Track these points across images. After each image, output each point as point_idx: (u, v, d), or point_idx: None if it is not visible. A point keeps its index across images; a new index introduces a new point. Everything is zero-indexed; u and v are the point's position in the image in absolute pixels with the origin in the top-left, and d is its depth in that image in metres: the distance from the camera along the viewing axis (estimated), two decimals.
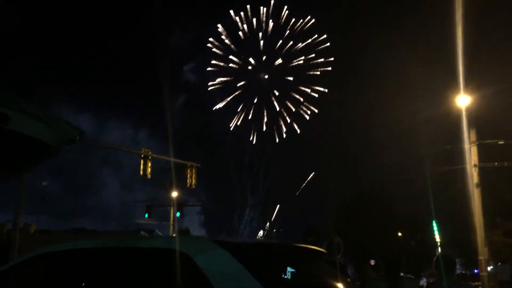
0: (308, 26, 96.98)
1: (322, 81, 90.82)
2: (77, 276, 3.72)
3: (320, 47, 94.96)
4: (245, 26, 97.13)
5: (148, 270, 3.34)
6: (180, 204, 33.01)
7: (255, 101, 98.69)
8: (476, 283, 16.03)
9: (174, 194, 34.07)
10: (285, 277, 3.81)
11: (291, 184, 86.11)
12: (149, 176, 23.32)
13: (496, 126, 18.56)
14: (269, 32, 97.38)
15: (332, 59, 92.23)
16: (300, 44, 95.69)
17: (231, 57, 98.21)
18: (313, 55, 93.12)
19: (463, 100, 17.04)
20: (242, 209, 79.79)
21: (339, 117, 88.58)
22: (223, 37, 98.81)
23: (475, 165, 17.42)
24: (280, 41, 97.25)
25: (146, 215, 32.78)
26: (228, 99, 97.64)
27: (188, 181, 26.38)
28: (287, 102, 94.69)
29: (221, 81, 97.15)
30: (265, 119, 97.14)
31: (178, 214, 32.47)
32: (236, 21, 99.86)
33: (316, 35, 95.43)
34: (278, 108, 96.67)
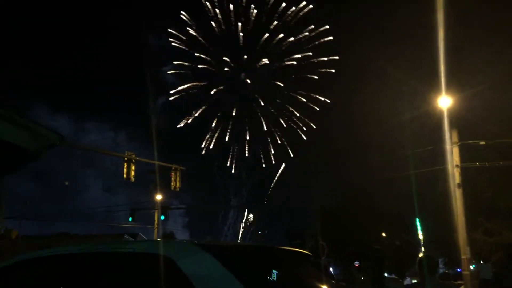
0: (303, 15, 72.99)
1: (322, 86, 69.37)
2: (58, 283, 3.66)
3: (319, 41, 71.60)
4: (217, 11, 70.18)
5: (131, 275, 3.30)
6: (165, 207, 32.82)
7: (233, 113, 72.59)
8: (459, 282, 16.22)
9: (159, 197, 33.87)
10: (271, 279, 3.79)
11: (275, 186, 78.28)
12: (132, 179, 23.13)
13: (477, 127, 18.83)
14: (251, 21, 70.68)
15: (337, 57, 70.15)
16: (292, 38, 71.06)
17: (199, 54, 72.55)
18: (309, 52, 69.24)
19: (444, 101, 17.25)
20: (226, 211, 72.77)
21: (322, 117, 79.20)
22: (189, 28, 71.64)
23: (456, 166, 17.63)
24: (266, 34, 70.68)
25: (130, 219, 32.50)
26: (196, 113, 71.36)
27: (172, 184, 26.25)
28: (277, 115, 70.63)
29: (185, 88, 71.95)
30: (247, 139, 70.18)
31: (162, 217, 32.30)
32: (206, 5, 73.23)
33: (312, 26, 71.91)
34: (265, 126, 70.94)
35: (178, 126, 66.48)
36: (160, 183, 29.83)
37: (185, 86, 71.52)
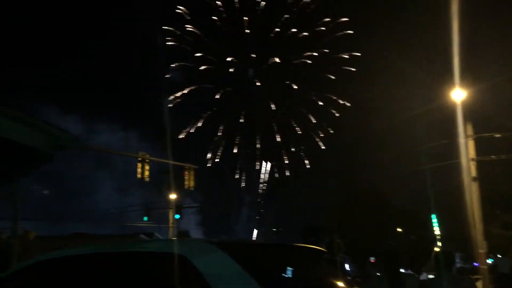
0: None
1: (340, 87, 60.54)
2: (76, 282, 3.69)
3: (337, 34, 62.29)
4: (219, 3, 59.26)
5: (147, 275, 3.32)
6: (179, 206, 32.96)
7: (240, 121, 61.73)
8: (476, 276, 16.08)
9: (173, 196, 34.04)
10: (286, 276, 3.78)
11: (288, 182, 76.39)
12: (147, 179, 23.31)
13: (491, 120, 18.63)
14: (259, 13, 60.21)
15: (359, 54, 61.85)
16: (306, 33, 60.60)
17: (201, 54, 62.72)
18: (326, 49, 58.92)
19: (458, 94, 17.08)
20: (240, 209, 69.84)
21: (340, 120, 76.46)
22: (188, 25, 61.22)
23: (472, 159, 17.46)
24: (276, 29, 59.63)
25: (145, 218, 32.72)
26: (198, 124, 61.61)
27: (186, 183, 26.36)
28: (292, 122, 60.56)
29: (185, 92, 62.57)
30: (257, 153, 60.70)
31: (177, 216, 32.42)
32: None
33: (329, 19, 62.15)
34: (278, 137, 60.26)
35: (180, 137, 60.94)
36: (173, 182, 30.00)
37: (185, 91, 64.07)
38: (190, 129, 62.44)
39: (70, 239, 33.71)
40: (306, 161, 62.34)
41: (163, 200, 33.21)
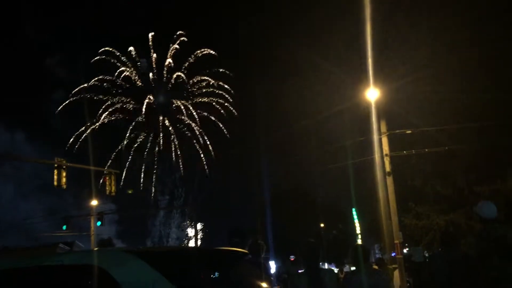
0: None
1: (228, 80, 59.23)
2: None
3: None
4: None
5: None
6: (100, 213, 31.89)
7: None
8: (394, 266, 16.97)
9: (94, 202, 32.86)
10: (208, 280, 3.80)
11: (213, 184, 74.24)
12: (64, 186, 22.26)
13: (401, 118, 19.72)
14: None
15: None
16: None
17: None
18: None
19: (372, 94, 17.93)
20: (166, 213, 67.39)
21: (252, 115, 77.47)
22: None
23: (386, 155, 18.39)
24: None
25: (64, 227, 31.30)
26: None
27: (107, 188, 25.49)
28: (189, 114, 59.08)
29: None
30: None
31: (99, 223, 31.36)
32: None
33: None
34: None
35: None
36: (91, 188, 29.08)
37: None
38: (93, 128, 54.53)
39: None
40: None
41: (82, 207, 32.08)
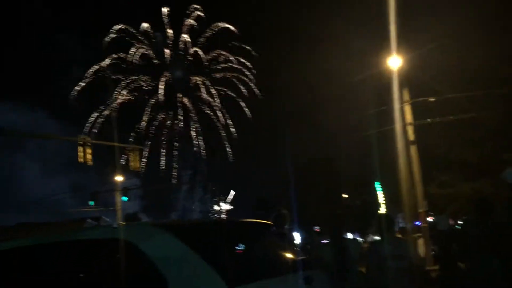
0: None
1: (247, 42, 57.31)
2: (22, 275, 3.59)
3: None
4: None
5: (93, 263, 3.27)
6: (125, 188, 32.41)
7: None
8: (418, 234, 16.93)
9: (119, 178, 33.39)
10: (235, 252, 3.84)
11: (238, 158, 72.92)
12: (90, 163, 22.67)
13: (425, 86, 19.29)
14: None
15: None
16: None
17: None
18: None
19: (394, 62, 17.58)
20: (190, 188, 67.16)
21: (273, 85, 75.37)
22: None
23: (410, 123, 18.14)
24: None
25: (91, 203, 32.00)
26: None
27: (131, 164, 25.84)
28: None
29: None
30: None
31: (125, 198, 31.84)
32: None
33: None
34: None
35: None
36: (115, 163, 29.55)
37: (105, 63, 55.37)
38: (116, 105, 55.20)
39: (15, 229, 32.54)
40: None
41: (106, 182, 32.67)
